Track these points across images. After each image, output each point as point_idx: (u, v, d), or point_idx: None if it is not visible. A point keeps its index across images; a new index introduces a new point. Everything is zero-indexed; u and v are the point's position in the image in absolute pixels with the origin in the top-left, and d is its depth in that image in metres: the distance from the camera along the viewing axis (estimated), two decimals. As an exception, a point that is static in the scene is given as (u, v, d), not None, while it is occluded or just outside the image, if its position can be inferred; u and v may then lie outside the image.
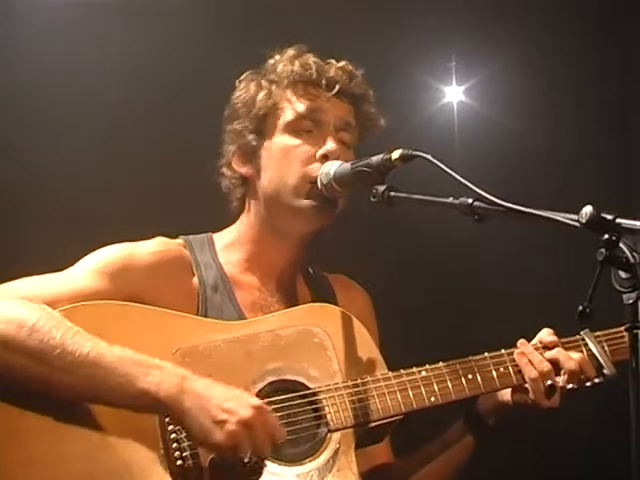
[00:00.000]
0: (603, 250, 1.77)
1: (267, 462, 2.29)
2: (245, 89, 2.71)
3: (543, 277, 3.51)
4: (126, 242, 2.56)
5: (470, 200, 2.14)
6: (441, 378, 2.48)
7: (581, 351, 2.58)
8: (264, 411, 2.22)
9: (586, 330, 2.62)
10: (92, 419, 2.23)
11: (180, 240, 2.66)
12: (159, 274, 2.51)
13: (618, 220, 1.81)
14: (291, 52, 2.70)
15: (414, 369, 2.48)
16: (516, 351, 2.55)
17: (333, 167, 2.52)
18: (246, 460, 2.18)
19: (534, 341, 2.60)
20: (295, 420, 2.35)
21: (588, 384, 2.55)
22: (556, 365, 2.54)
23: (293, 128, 2.63)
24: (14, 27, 3.30)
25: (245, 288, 2.62)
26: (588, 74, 3.71)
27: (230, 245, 2.68)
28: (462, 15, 3.57)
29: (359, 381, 2.43)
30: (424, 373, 2.48)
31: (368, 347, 2.52)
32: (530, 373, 2.52)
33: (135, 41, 3.33)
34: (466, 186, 2.13)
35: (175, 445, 2.26)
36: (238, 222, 2.72)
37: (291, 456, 2.33)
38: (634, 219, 1.81)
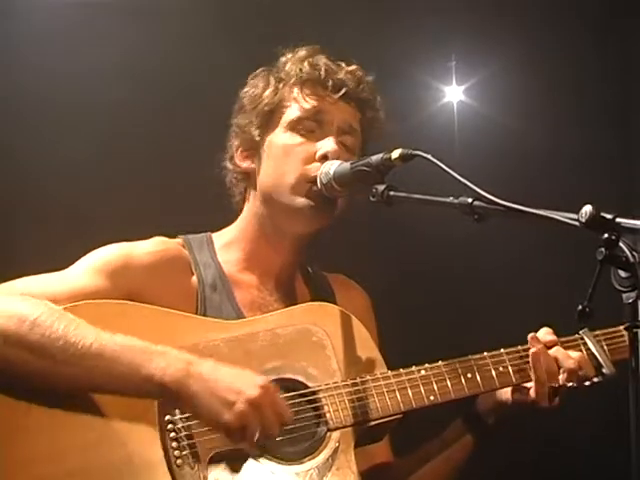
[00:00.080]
0: (603, 249, 1.76)
1: (267, 461, 2.30)
2: (254, 85, 2.72)
3: (543, 277, 3.51)
4: (125, 242, 2.56)
5: (470, 199, 2.14)
6: (440, 377, 2.48)
7: (580, 350, 2.57)
8: (271, 390, 2.23)
9: (585, 329, 2.61)
10: (90, 415, 2.23)
11: (179, 240, 2.66)
12: (158, 273, 2.51)
13: (618, 219, 1.81)
14: (303, 52, 2.70)
15: (413, 368, 2.48)
16: (531, 350, 2.52)
17: (333, 166, 2.52)
18: (255, 440, 2.19)
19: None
20: (294, 419, 2.34)
21: (587, 383, 2.54)
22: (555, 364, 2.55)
23: (296, 126, 2.63)
24: (14, 27, 3.30)
25: (244, 287, 2.62)
26: (588, 74, 3.71)
27: (229, 244, 2.68)
28: (462, 15, 3.58)
29: (358, 380, 2.43)
30: (423, 372, 2.48)
31: (367, 346, 2.52)
32: (541, 375, 2.50)
33: (135, 41, 3.33)
34: (466, 185, 2.13)
35: (175, 444, 2.26)
36: (237, 221, 2.72)
37: (290, 455, 2.33)
38: (634, 218, 1.81)
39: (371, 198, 2.39)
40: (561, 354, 2.53)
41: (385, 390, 2.43)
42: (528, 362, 2.53)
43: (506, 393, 2.58)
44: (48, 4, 3.34)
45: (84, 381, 2.21)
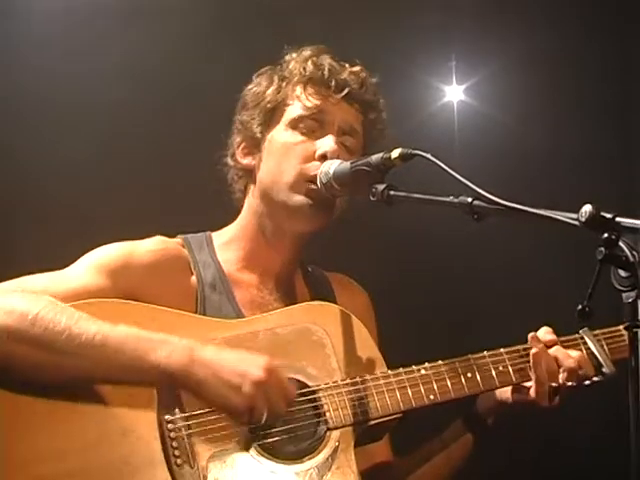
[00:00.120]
0: (602, 249, 1.76)
1: (266, 460, 2.30)
2: (258, 83, 2.73)
3: (542, 276, 3.51)
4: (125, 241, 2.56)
5: (469, 199, 2.14)
6: (440, 377, 2.48)
7: (580, 350, 2.57)
8: (275, 370, 2.25)
9: (585, 329, 2.61)
10: (90, 415, 2.23)
11: (178, 239, 2.66)
12: (157, 273, 2.51)
13: (617, 219, 1.80)
14: (308, 51, 2.71)
15: (413, 367, 2.48)
16: (532, 350, 2.52)
17: (333, 166, 2.52)
18: (263, 422, 2.22)
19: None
20: (294, 418, 2.35)
21: (587, 383, 2.54)
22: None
23: (297, 125, 2.63)
24: (14, 27, 3.31)
25: (244, 286, 2.62)
26: (588, 74, 3.71)
27: (228, 243, 2.68)
28: (462, 14, 3.58)
29: (358, 379, 2.43)
30: (423, 372, 2.48)
31: (367, 345, 2.51)
32: (541, 375, 2.50)
33: (135, 41, 3.34)
34: (466, 185, 2.13)
35: (174, 443, 2.26)
36: (237, 220, 2.72)
37: (290, 454, 2.33)
38: (634, 218, 1.81)
39: (371, 197, 2.38)
40: (561, 353, 2.53)
41: (385, 389, 2.43)
42: (528, 362, 2.53)
43: (506, 393, 2.58)
44: (48, 4, 3.34)
45: (88, 372, 2.22)
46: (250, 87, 2.73)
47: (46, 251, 2.95)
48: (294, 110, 2.65)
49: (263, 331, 2.44)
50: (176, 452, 2.25)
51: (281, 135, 2.64)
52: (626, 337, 1.75)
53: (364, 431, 2.42)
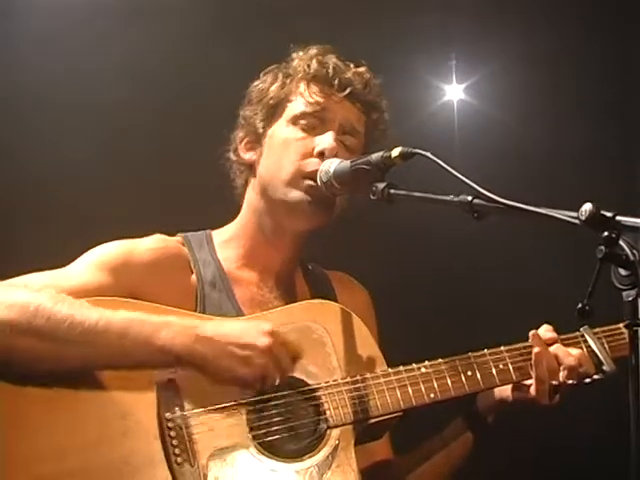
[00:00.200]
0: (603, 247, 1.76)
1: (267, 459, 2.30)
2: (264, 80, 2.74)
3: (543, 275, 3.51)
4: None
5: (469, 197, 2.14)
6: (440, 375, 2.48)
7: (581, 348, 2.57)
8: (277, 332, 2.29)
9: (586, 327, 2.61)
10: (90, 414, 2.23)
11: (178, 237, 2.66)
12: (157, 271, 2.51)
13: (618, 217, 1.81)
14: (314, 50, 2.72)
15: (413, 366, 2.48)
16: (534, 350, 2.52)
17: (333, 165, 2.52)
18: (276, 384, 2.28)
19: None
20: (294, 416, 2.36)
21: (588, 381, 2.54)
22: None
23: (298, 121, 2.64)
24: (14, 27, 3.31)
25: (244, 284, 2.62)
26: (588, 74, 3.71)
27: (228, 241, 2.69)
28: (462, 13, 3.58)
29: (358, 378, 2.43)
30: (423, 370, 2.48)
31: (368, 344, 2.51)
32: (542, 374, 2.50)
33: (135, 41, 3.34)
34: (466, 183, 2.13)
35: (175, 442, 2.26)
36: (237, 218, 2.73)
37: (290, 452, 2.33)
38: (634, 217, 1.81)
39: (371, 196, 2.39)
40: (561, 351, 2.53)
41: (385, 388, 2.43)
42: (528, 360, 2.53)
43: (506, 391, 2.58)
44: (48, 4, 3.35)
45: (93, 359, 2.22)
46: (256, 84, 2.75)
47: (46, 251, 2.93)
48: (296, 106, 2.65)
49: (263, 329, 2.44)
50: (176, 451, 2.24)
51: (282, 131, 2.65)
52: (626, 335, 1.75)
53: (364, 429, 2.42)
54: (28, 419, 2.20)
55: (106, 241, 2.56)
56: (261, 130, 2.68)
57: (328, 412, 2.38)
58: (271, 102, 2.67)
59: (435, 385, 2.46)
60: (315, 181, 2.55)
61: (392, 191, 2.35)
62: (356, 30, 3.46)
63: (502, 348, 2.56)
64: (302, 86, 2.66)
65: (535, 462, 3.55)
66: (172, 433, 2.26)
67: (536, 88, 3.63)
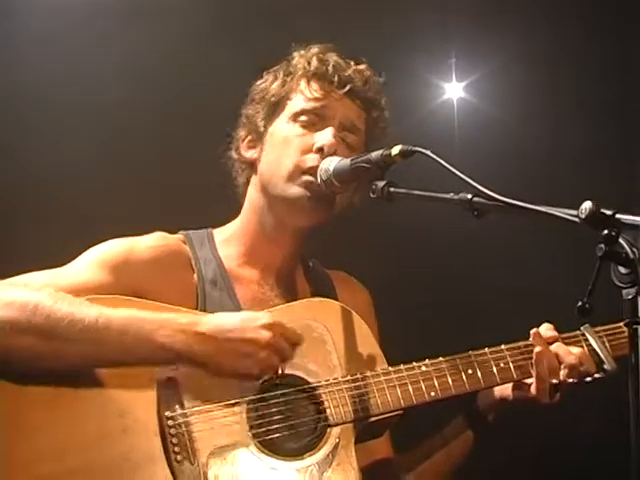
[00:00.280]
0: (602, 246, 1.76)
1: (267, 457, 2.30)
2: (265, 78, 2.75)
3: (543, 273, 3.51)
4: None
5: (469, 195, 2.14)
6: (441, 373, 2.48)
7: (581, 346, 2.57)
8: (276, 324, 2.29)
9: (586, 325, 2.61)
10: (90, 412, 2.23)
11: (180, 235, 2.67)
12: (158, 269, 2.52)
13: (617, 215, 1.81)
14: (315, 48, 2.73)
15: (414, 364, 2.48)
16: (536, 349, 2.52)
17: (332, 163, 2.52)
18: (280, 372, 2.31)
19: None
20: (294, 415, 2.36)
21: (588, 379, 2.54)
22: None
23: (298, 118, 2.64)
24: (14, 27, 3.31)
25: (244, 283, 2.62)
26: (588, 74, 3.71)
27: (229, 239, 2.69)
28: (462, 12, 3.58)
29: (359, 376, 2.43)
30: (424, 368, 2.48)
31: (368, 342, 2.51)
32: (543, 372, 2.50)
33: (135, 41, 3.34)
34: (465, 182, 2.13)
35: (175, 440, 2.26)
36: (238, 217, 2.73)
37: (291, 451, 2.33)
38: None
39: (371, 194, 2.39)
40: (562, 350, 2.52)
41: (386, 386, 2.43)
42: (529, 358, 2.53)
43: (507, 389, 2.58)
44: (48, 4, 3.34)
45: (93, 356, 2.23)
46: (258, 83, 2.76)
47: (46, 251, 2.93)
48: (296, 103, 2.66)
49: (264, 328, 2.44)
50: (176, 448, 2.25)
51: (282, 128, 2.65)
52: (627, 333, 1.75)
53: (365, 428, 2.42)
54: (28, 418, 2.20)
55: (106, 241, 2.56)
56: (262, 128, 2.69)
57: (328, 410, 2.38)
58: (272, 100, 2.68)
59: (436, 383, 2.46)
60: (314, 177, 2.55)
61: (392, 189, 2.35)
62: (356, 29, 3.45)
63: (503, 347, 2.56)
64: (302, 83, 2.67)
65: (535, 460, 3.55)
66: (172, 431, 2.26)
67: (536, 88, 3.63)
